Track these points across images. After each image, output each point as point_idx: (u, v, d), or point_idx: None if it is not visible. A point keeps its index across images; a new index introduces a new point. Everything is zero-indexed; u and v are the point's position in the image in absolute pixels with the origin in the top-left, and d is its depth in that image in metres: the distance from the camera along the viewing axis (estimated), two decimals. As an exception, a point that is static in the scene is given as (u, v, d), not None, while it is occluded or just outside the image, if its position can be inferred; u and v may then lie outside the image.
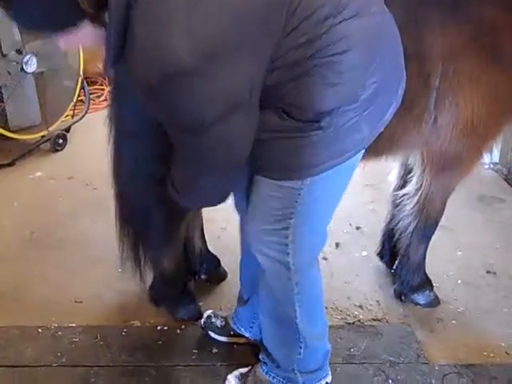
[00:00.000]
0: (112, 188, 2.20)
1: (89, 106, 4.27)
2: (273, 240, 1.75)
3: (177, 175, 1.65)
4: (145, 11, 1.30)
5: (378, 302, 2.62)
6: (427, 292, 2.61)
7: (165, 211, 2.14)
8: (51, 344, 2.28)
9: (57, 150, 3.91)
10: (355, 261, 2.90)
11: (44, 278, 2.68)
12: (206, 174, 1.56)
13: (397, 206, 2.56)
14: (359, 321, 2.49)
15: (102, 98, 4.80)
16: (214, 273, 2.67)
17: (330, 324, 2.43)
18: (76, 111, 4.21)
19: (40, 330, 2.35)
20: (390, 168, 2.66)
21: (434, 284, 2.64)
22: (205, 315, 2.35)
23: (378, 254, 2.82)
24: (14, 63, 3.64)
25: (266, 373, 2.03)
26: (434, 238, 2.53)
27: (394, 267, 2.69)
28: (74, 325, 2.39)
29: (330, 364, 2.07)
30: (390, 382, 2.19)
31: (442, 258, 2.88)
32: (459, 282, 2.78)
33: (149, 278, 2.43)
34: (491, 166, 3.82)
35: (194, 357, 2.26)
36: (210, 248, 2.67)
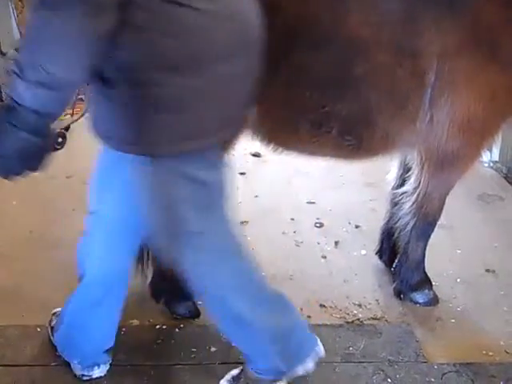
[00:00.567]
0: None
1: (88, 104, 4.26)
2: None
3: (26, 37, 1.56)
4: None
5: (377, 300, 2.62)
6: (426, 291, 2.61)
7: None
8: (50, 343, 2.27)
9: (56, 149, 3.90)
10: (354, 259, 2.90)
11: (43, 277, 2.67)
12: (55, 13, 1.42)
13: (396, 204, 2.56)
14: (358, 320, 2.49)
15: (102, 96, 4.79)
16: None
17: (329, 323, 2.45)
18: (75, 110, 4.20)
19: (39, 330, 2.34)
20: (389, 167, 2.66)
21: (433, 283, 2.64)
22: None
23: (376, 253, 2.81)
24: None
25: (253, 370, 2.04)
26: (433, 236, 2.53)
27: (394, 266, 2.69)
28: (72, 324, 2.39)
29: (328, 363, 2.07)
30: (389, 381, 2.18)
31: (441, 257, 2.88)
32: (458, 280, 2.78)
33: (151, 274, 2.44)
34: (491, 164, 3.82)
35: (192, 356, 2.26)
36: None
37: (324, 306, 2.56)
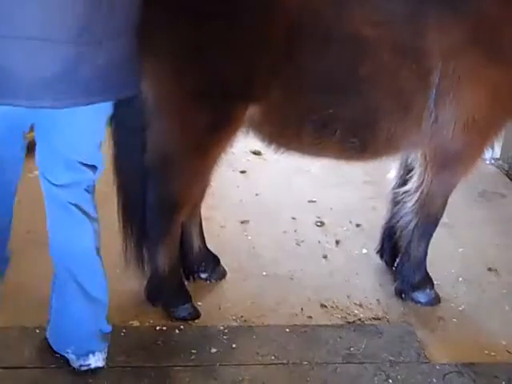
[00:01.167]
0: (114, 184, 2.23)
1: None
2: None
3: None
4: None
5: (378, 300, 2.60)
6: (428, 290, 2.59)
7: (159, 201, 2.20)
8: (48, 345, 2.26)
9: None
10: (355, 258, 2.89)
11: (42, 278, 2.65)
12: None
13: (397, 203, 2.54)
14: (359, 320, 2.47)
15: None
16: (214, 271, 2.65)
17: (330, 323, 2.43)
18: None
19: (38, 331, 2.33)
20: (389, 165, 2.64)
21: (434, 282, 2.62)
22: None
23: (377, 252, 2.80)
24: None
25: None
26: (434, 235, 2.51)
27: (395, 265, 2.68)
28: (72, 325, 2.38)
29: (329, 363, 2.06)
30: (391, 381, 2.17)
31: (443, 256, 2.86)
32: (460, 279, 2.76)
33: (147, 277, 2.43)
34: (492, 161, 3.81)
35: (192, 357, 2.24)
36: (209, 246, 2.65)
37: (325, 305, 2.54)
